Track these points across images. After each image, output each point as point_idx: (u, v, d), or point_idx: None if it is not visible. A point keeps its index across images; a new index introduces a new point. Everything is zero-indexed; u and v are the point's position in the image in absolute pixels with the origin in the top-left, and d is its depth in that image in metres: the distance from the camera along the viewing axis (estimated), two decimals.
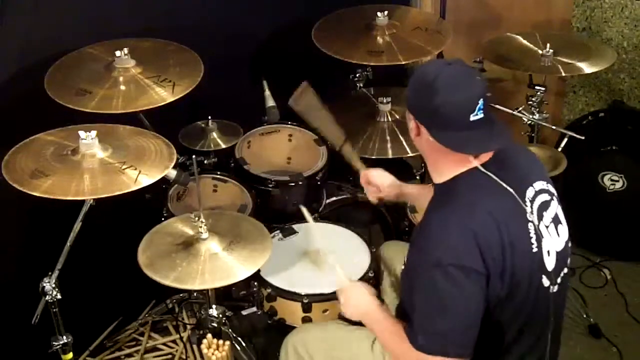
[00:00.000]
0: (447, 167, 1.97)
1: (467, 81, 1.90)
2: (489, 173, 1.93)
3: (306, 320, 2.60)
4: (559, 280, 2.02)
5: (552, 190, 2.05)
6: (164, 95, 2.57)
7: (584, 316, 3.24)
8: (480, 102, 1.87)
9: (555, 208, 2.04)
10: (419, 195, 2.52)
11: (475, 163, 1.94)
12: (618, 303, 3.39)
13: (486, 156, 1.96)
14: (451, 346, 1.89)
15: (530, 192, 1.97)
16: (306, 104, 2.71)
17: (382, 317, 2.14)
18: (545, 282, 1.98)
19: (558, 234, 2.02)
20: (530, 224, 1.93)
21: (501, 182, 1.93)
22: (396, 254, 2.58)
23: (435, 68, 1.93)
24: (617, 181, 3.46)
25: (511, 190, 1.93)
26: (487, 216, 1.88)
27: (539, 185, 2.01)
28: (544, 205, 1.99)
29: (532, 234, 1.93)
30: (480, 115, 1.88)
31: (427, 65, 1.98)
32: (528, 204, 1.95)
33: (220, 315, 2.62)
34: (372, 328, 2.18)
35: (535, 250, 1.93)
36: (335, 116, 3.29)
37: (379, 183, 2.55)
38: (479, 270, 1.84)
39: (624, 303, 3.39)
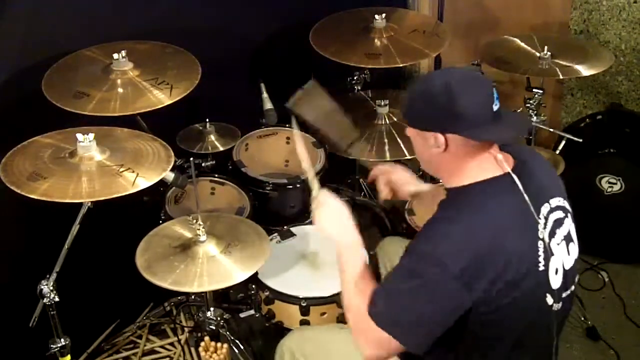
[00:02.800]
0: (471, 172, 1.92)
1: (476, 77, 1.92)
2: (517, 180, 1.88)
3: (304, 323, 2.60)
4: (563, 296, 1.98)
5: (568, 207, 2.01)
6: (161, 97, 2.56)
7: (582, 319, 3.24)
8: (495, 92, 1.88)
9: (569, 226, 2.00)
10: (433, 197, 2.34)
11: (507, 168, 1.90)
12: (616, 306, 3.40)
13: (510, 163, 1.93)
14: (401, 332, 1.84)
15: (545, 209, 1.92)
16: (312, 105, 2.49)
17: (359, 256, 2.06)
18: (549, 300, 1.93)
19: (568, 253, 1.98)
20: (540, 242, 1.88)
21: (523, 192, 1.87)
22: (396, 249, 2.56)
23: (441, 77, 1.90)
24: (615, 184, 3.46)
25: (529, 203, 1.87)
26: (495, 226, 1.84)
27: (555, 201, 1.96)
28: (558, 223, 1.95)
29: (541, 252, 1.88)
30: (498, 104, 1.88)
31: (429, 79, 1.95)
32: (542, 219, 1.90)
33: (218, 318, 2.63)
34: (343, 260, 2.05)
35: (542, 268, 1.88)
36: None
37: (400, 184, 2.43)
38: (465, 282, 1.79)
39: (622, 306, 3.39)
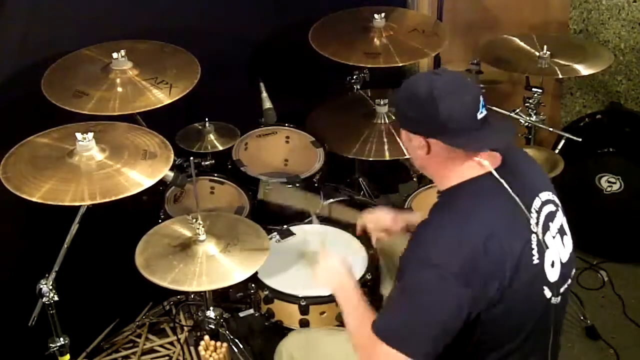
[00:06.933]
0: (457, 175, 1.94)
1: (462, 83, 1.91)
2: (500, 178, 1.90)
3: (303, 322, 2.59)
4: (561, 291, 1.99)
5: (557, 201, 2.03)
6: (160, 97, 2.57)
7: (581, 318, 3.24)
8: (481, 99, 1.88)
9: (561, 219, 2.01)
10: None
11: (489, 168, 1.91)
12: (615, 305, 3.40)
13: (497, 161, 1.94)
14: (409, 343, 1.84)
15: (537, 203, 1.94)
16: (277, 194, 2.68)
17: (355, 296, 2.08)
18: (547, 293, 1.94)
19: (563, 245, 1.99)
20: (533, 235, 1.89)
21: (509, 190, 1.89)
22: (395, 246, 2.54)
23: (426, 81, 1.90)
24: (614, 183, 3.46)
25: (517, 199, 1.89)
26: (486, 225, 1.85)
27: (545, 195, 1.98)
28: (550, 216, 1.96)
29: (534, 246, 1.89)
30: (484, 112, 1.89)
31: (415, 82, 1.95)
32: (534, 214, 1.92)
33: (218, 317, 2.62)
34: (343, 303, 2.11)
35: (536, 262, 1.89)
36: (332, 118, 3.32)
37: (380, 225, 2.46)
38: (464, 280, 1.80)
39: (621, 305, 3.39)
